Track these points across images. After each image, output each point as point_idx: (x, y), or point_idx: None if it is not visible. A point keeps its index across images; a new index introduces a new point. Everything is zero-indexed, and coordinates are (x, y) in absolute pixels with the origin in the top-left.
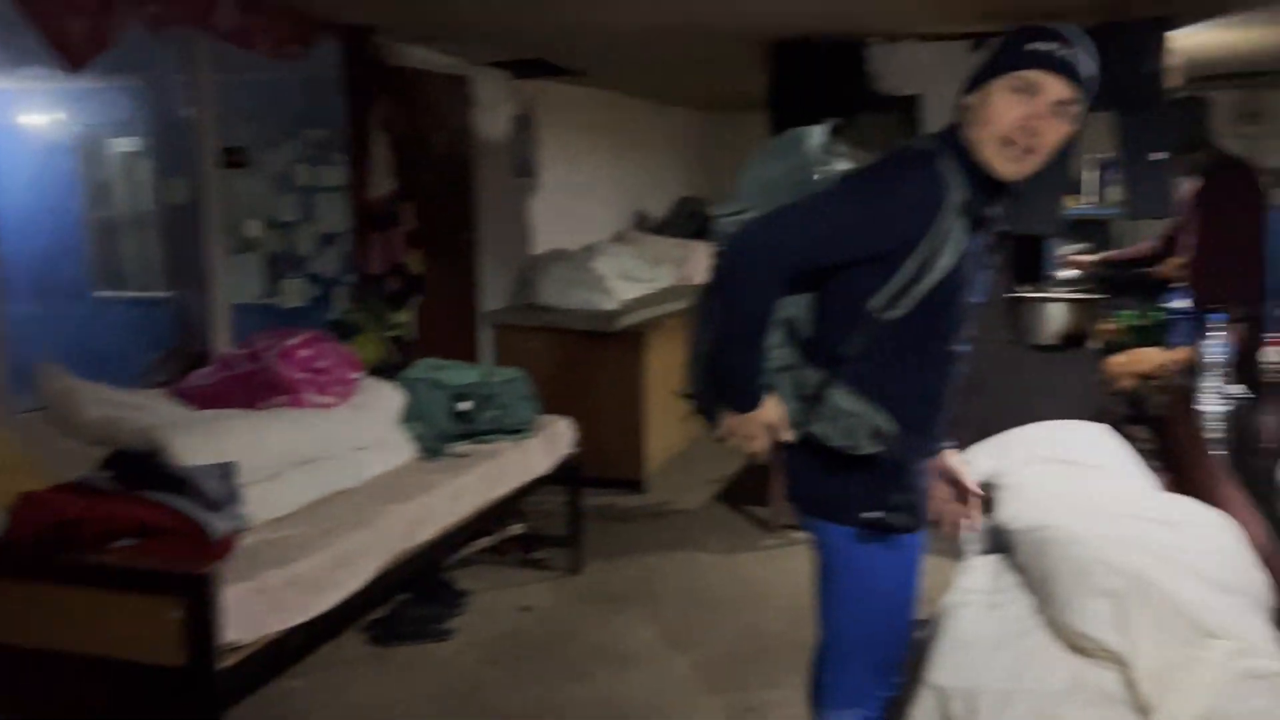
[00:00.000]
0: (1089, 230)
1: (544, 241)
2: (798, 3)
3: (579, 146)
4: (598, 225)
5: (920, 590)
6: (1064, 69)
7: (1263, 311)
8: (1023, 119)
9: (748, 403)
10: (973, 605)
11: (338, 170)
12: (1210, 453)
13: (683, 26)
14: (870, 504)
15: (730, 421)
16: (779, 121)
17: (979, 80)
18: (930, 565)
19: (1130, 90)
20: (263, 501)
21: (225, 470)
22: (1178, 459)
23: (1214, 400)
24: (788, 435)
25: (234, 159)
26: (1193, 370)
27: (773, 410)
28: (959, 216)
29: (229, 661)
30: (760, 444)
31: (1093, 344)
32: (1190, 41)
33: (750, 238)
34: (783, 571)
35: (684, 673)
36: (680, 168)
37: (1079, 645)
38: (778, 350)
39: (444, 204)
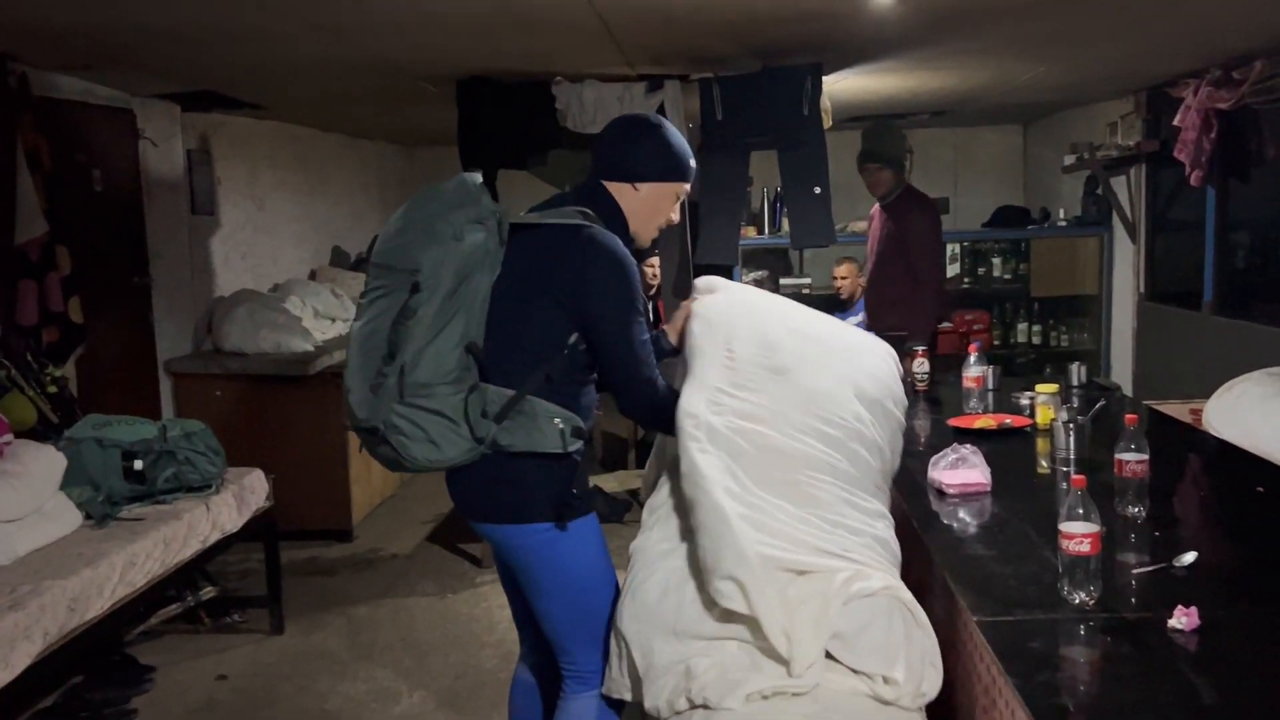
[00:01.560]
0: (767, 259)
1: (229, 283)
2: (477, 41)
3: (265, 182)
4: (290, 264)
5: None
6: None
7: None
8: (671, 213)
9: None
10: (649, 551)
11: None
12: None
13: (359, 61)
14: (571, 497)
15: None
16: (468, 157)
17: (648, 178)
18: None
19: (790, 129)
20: None
21: None
22: None
23: None
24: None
25: None
26: None
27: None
28: None
29: None
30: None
31: None
32: (840, 86)
33: (640, 367)
34: (497, 607)
35: None
36: (380, 202)
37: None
38: (459, 372)
39: (109, 246)
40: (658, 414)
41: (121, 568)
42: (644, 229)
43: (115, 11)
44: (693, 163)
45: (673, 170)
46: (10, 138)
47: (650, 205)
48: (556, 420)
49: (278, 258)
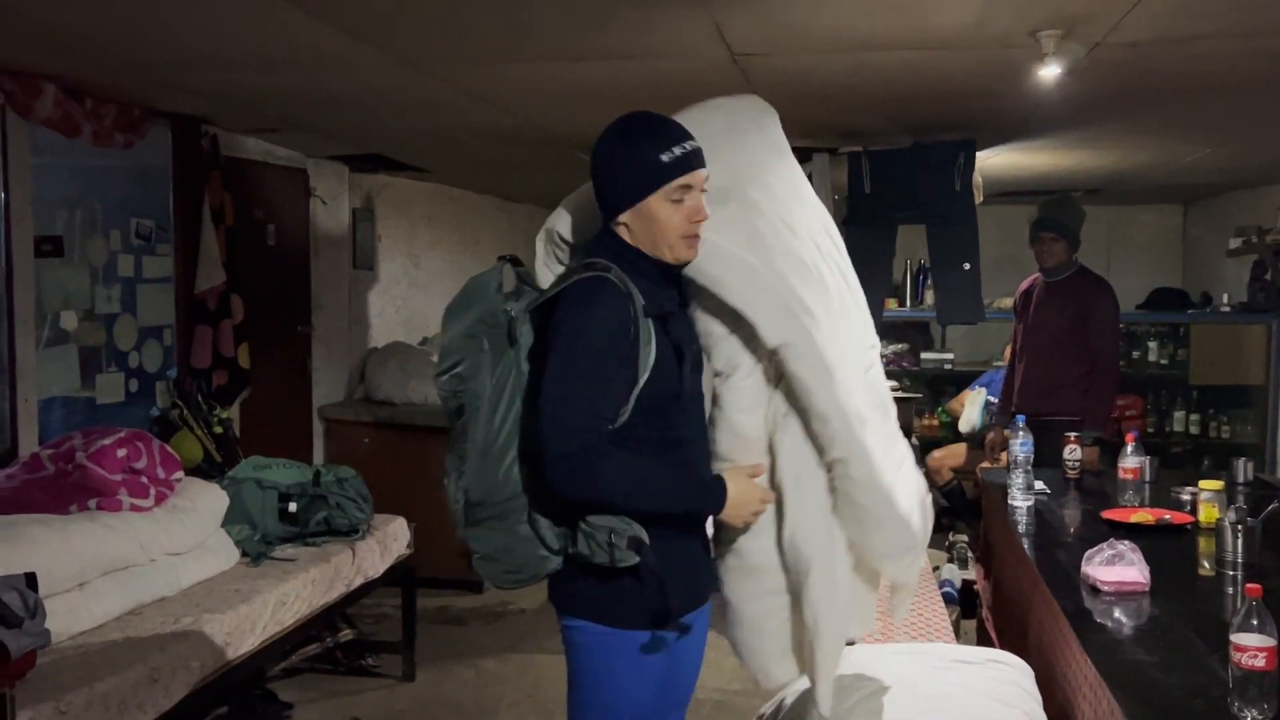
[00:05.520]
0: (908, 331)
1: (383, 335)
2: (629, 111)
3: (422, 240)
4: (440, 319)
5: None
6: (700, 161)
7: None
8: (688, 216)
9: (719, 497)
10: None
11: (163, 261)
12: (1020, 545)
13: (516, 130)
14: (642, 605)
15: (729, 515)
16: None
17: (626, 205)
18: None
19: (940, 204)
20: (68, 614)
21: (24, 581)
22: (990, 550)
23: (1021, 495)
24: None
25: (49, 247)
26: (1007, 466)
27: (736, 477)
28: (645, 318)
29: None
30: (762, 498)
31: (914, 440)
32: (991, 162)
33: (553, 435)
34: None
35: None
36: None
37: None
38: (525, 484)
39: (278, 296)
40: (561, 459)
41: (273, 606)
42: (663, 246)
43: (301, 80)
44: (683, 147)
45: (650, 179)
46: (199, 194)
47: (653, 224)
48: (601, 532)
49: (429, 313)
